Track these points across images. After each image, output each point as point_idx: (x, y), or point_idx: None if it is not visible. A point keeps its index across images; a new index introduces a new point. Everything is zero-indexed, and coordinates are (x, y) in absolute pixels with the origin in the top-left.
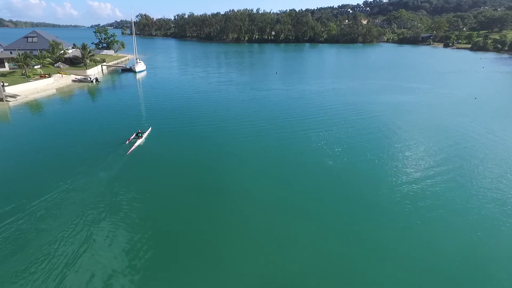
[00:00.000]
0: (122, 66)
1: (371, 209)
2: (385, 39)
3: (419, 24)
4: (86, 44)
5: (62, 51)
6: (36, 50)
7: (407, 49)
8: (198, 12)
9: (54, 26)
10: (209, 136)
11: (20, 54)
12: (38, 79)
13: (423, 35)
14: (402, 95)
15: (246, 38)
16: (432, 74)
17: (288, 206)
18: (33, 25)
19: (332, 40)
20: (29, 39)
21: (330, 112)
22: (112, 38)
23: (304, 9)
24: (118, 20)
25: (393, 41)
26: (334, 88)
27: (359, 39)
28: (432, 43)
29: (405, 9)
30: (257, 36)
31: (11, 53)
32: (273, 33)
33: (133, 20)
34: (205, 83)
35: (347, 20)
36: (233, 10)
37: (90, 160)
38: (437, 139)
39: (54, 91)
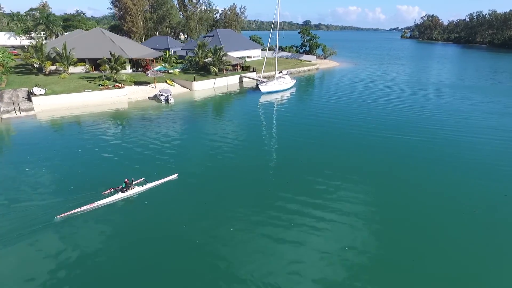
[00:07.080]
0: (258, 81)
1: None
2: None
3: None
4: (222, 47)
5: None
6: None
7: None
8: (504, 9)
9: (357, 29)
10: None
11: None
12: (109, 88)
13: None
14: None
15: None
16: None
17: None
18: (341, 28)
19: None
20: (205, 39)
21: None
22: (314, 41)
23: None
24: (418, 23)
25: None
26: None
27: None
28: None
29: None
30: None
31: (186, 53)
32: None
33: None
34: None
35: None
36: None
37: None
38: None
39: (125, 105)
